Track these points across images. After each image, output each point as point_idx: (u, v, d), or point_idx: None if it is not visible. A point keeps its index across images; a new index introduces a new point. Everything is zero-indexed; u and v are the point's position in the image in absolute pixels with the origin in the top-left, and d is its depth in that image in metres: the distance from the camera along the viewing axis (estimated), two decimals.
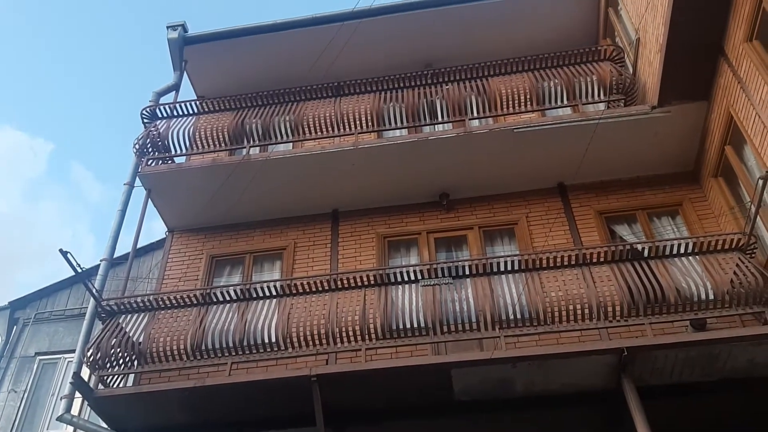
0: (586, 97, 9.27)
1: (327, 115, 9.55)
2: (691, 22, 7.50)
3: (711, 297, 7.07)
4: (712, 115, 8.28)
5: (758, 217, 7.37)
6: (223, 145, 9.68)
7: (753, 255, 7.34)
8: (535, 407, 7.07)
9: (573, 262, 7.62)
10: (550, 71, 9.55)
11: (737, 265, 7.19)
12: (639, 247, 7.87)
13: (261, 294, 7.93)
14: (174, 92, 10.99)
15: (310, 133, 9.52)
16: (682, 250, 7.56)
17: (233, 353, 7.46)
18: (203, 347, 7.53)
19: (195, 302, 7.98)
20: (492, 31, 10.98)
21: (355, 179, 9.37)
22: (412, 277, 7.82)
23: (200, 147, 9.72)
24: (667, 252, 7.59)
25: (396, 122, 9.51)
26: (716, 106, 8.10)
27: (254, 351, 7.47)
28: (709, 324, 7.33)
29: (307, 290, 7.87)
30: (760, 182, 6.95)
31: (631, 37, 9.49)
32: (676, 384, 6.89)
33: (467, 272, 7.79)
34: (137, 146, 9.69)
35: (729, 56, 7.52)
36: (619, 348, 6.71)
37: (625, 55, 9.78)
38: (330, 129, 9.48)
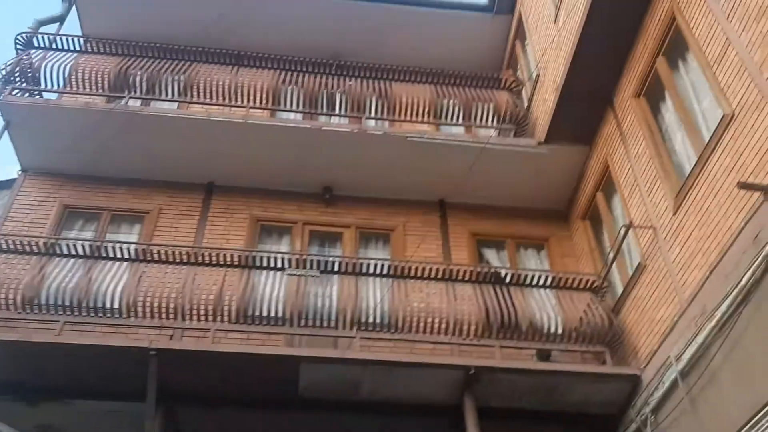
0: (481, 120, 9.48)
1: (222, 82, 9.13)
2: (589, 69, 7.84)
3: (560, 331, 7.36)
4: (590, 161, 8.69)
5: (614, 264, 7.80)
6: (101, 90, 9.01)
7: (603, 298, 7.73)
8: (378, 413, 7.00)
9: (439, 277, 7.69)
10: (452, 89, 9.69)
11: (588, 305, 7.54)
12: (503, 272, 8.08)
13: (113, 255, 7.36)
14: (58, 24, 10.10)
15: (199, 97, 9.05)
16: (541, 282, 7.84)
17: (69, 312, 6.85)
18: (36, 301, 6.86)
19: (36, 251, 7.27)
20: (403, 38, 10.97)
21: (239, 155, 8.97)
22: (279, 265, 7.57)
23: (75, 87, 8.99)
24: (527, 282, 7.84)
25: (292, 105, 9.26)
26: (596, 153, 8.51)
27: (93, 314, 6.90)
28: (554, 356, 7.63)
29: (164, 259, 7.40)
30: (623, 231, 7.34)
31: (532, 72, 9.81)
32: (516, 409, 7.08)
33: (336, 269, 7.65)
34: (4, 73, 8.78)
35: (616, 108, 7.92)
36: (467, 366, 6.80)
37: (523, 88, 10.10)
38: (222, 97, 9.07)
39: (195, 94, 9.06)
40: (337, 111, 9.38)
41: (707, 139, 6.00)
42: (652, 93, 7.22)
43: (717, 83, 5.82)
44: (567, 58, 7.96)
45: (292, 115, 9.40)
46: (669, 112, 6.94)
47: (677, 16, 6.54)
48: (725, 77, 5.71)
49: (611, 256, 7.86)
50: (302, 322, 7.10)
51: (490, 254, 9.24)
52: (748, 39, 5.38)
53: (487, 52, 11.23)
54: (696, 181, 6.10)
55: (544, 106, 9.03)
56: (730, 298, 5.27)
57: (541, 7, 9.48)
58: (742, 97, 5.45)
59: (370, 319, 7.26)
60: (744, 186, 3.87)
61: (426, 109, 9.40)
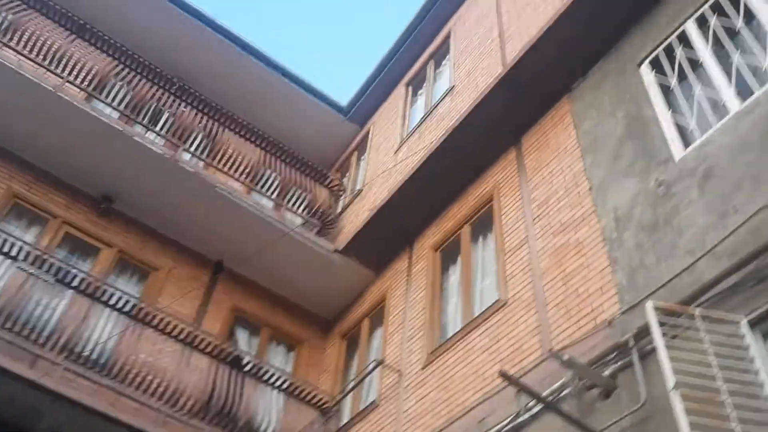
0: (293, 205, 9.41)
1: (52, 42, 8.19)
2: (405, 208, 8.20)
3: None
4: (372, 287, 8.87)
5: (352, 392, 7.81)
6: None
7: (327, 421, 7.64)
8: None
9: (180, 337, 7.15)
10: (279, 162, 9.60)
11: (311, 422, 7.40)
12: (245, 359, 7.72)
13: None
14: None
15: (19, 44, 8.00)
16: (276, 383, 7.59)
17: None
18: None
19: None
20: (256, 95, 10.77)
21: (33, 124, 7.91)
22: (13, 253, 6.56)
23: None
24: (264, 377, 7.55)
25: (114, 101, 8.52)
26: (380, 283, 8.72)
27: None
28: None
29: None
30: (372, 365, 7.44)
31: (357, 185, 10.06)
32: None
33: (75, 284, 6.80)
34: None
35: (414, 252, 8.26)
36: None
37: (343, 196, 10.27)
38: (43, 57, 8.10)
39: (16, 39, 8.00)
40: (158, 128, 8.78)
41: (476, 315, 6.40)
42: (448, 253, 7.65)
43: (503, 270, 6.31)
44: (391, 189, 8.28)
45: (108, 110, 8.59)
46: (455, 275, 7.36)
47: (494, 199, 7.12)
48: (512, 268, 6.21)
49: (352, 384, 7.89)
50: (8, 325, 6.10)
51: (242, 336, 8.85)
52: (542, 246, 5.95)
53: (325, 146, 11.37)
54: (453, 347, 6.40)
55: (354, 220, 9.21)
56: None
57: (389, 134, 9.90)
58: (518, 292, 5.93)
59: (86, 352, 6.45)
60: (504, 375, 4.10)
61: (246, 170, 9.16)
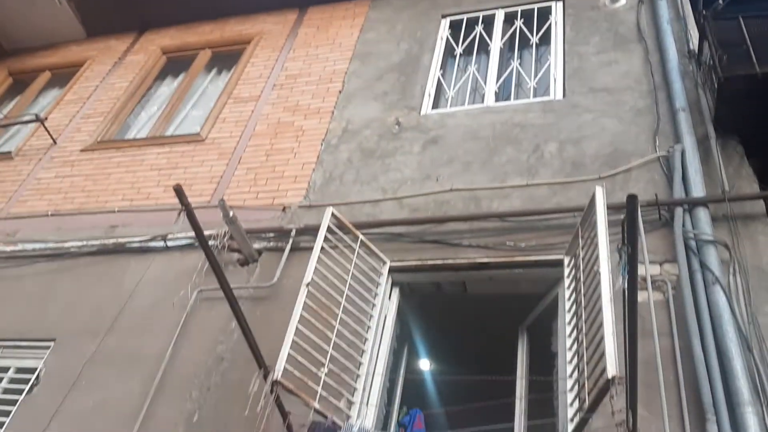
0: None
1: None
2: None
3: None
4: (73, 46, 7.68)
5: None
6: None
7: None
8: None
9: None
10: None
11: None
12: None
13: None
14: None
15: None
16: None
17: None
18: None
19: None
20: None
21: None
22: None
23: None
24: None
25: None
26: (84, 47, 7.60)
27: None
28: None
29: None
30: (30, 117, 6.53)
31: None
32: None
33: None
34: None
35: (140, 41, 7.38)
36: None
37: None
38: None
39: None
40: None
41: (168, 134, 6.10)
42: (175, 63, 7.02)
43: (219, 111, 6.02)
44: None
45: None
46: (169, 89, 6.81)
47: (251, 45, 6.71)
48: (228, 114, 5.96)
49: None
50: None
51: None
52: (268, 112, 5.80)
53: None
54: (126, 149, 5.98)
55: None
56: None
57: None
58: (220, 137, 5.72)
59: None
60: (178, 190, 3.78)
61: None
